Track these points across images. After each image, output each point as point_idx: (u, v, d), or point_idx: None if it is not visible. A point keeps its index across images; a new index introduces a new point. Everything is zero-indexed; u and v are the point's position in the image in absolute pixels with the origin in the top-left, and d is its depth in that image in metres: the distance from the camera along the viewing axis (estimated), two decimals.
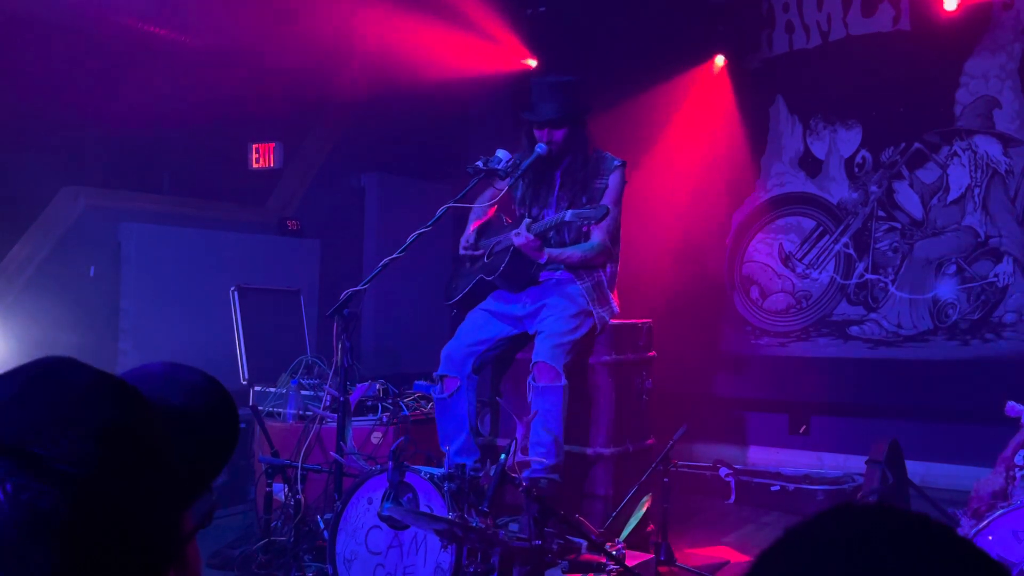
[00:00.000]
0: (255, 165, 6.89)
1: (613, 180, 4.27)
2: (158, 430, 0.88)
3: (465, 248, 4.50)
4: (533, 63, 7.02)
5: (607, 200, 4.19)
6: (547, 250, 4.15)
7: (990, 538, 2.69)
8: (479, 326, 4.32)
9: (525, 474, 3.84)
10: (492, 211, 4.54)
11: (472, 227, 4.55)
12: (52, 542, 0.77)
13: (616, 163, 4.30)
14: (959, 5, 5.57)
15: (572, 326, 4.12)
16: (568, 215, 3.97)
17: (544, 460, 3.91)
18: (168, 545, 0.88)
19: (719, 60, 6.47)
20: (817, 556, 0.69)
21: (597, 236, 4.21)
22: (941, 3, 5.65)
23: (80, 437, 0.80)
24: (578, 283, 4.25)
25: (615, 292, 4.37)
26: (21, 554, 0.77)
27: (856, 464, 4.94)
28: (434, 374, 4.30)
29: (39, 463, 0.78)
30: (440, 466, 3.71)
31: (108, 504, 0.80)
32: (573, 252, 4.22)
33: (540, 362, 4.01)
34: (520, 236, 4.05)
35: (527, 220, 4.13)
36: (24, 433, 0.79)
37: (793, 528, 0.72)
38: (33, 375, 0.85)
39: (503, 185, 4.28)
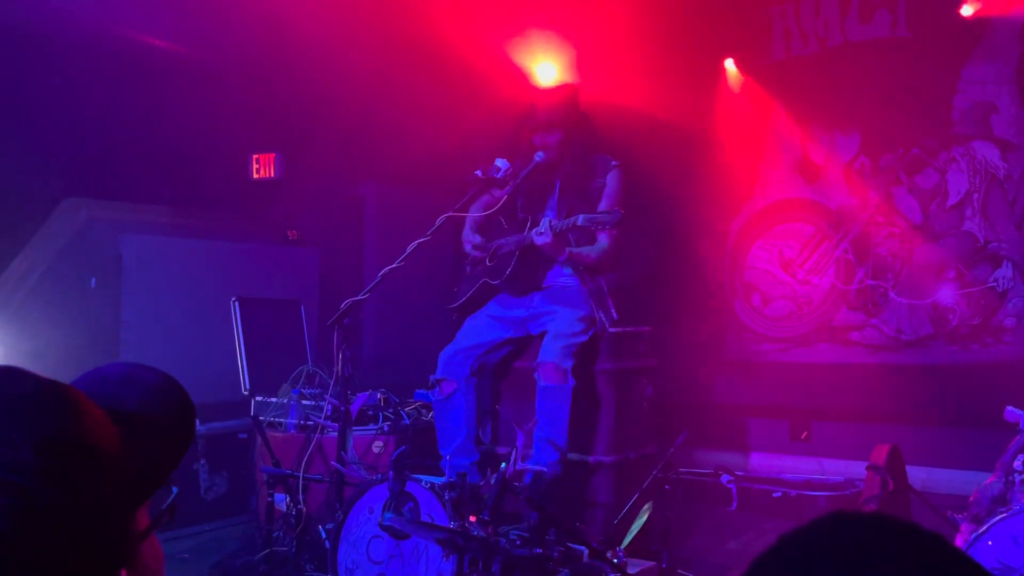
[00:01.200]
0: (255, 175, 6.91)
1: (612, 180, 4.31)
2: (103, 435, 0.89)
3: (476, 247, 4.49)
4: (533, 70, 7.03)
5: (607, 201, 4.23)
6: (568, 248, 4.18)
7: (990, 543, 2.69)
8: (478, 330, 4.35)
9: (529, 463, 3.85)
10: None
11: (471, 230, 4.57)
12: None
13: (613, 163, 4.35)
14: (957, 14, 5.59)
15: (580, 328, 4.16)
16: (580, 220, 3.98)
17: (549, 455, 3.94)
18: (117, 547, 0.89)
19: (729, 63, 6.45)
20: (809, 563, 0.70)
21: (605, 239, 4.25)
22: (939, 9, 5.66)
23: (18, 446, 0.81)
24: (583, 288, 4.28)
25: (613, 299, 4.39)
26: None
27: (858, 470, 4.92)
28: (431, 378, 4.31)
29: None
30: (440, 473, 3.71)
31: (50, 512, 0.81)
32: (589, 252, 4.26)
33: (547, 362, 4.02)
34: (544, 235, 4.06)
35: (547, 220, 4.14)
36: None
37: (786, 535, 0.73)
38: None
39: (502, 194, 4.31)
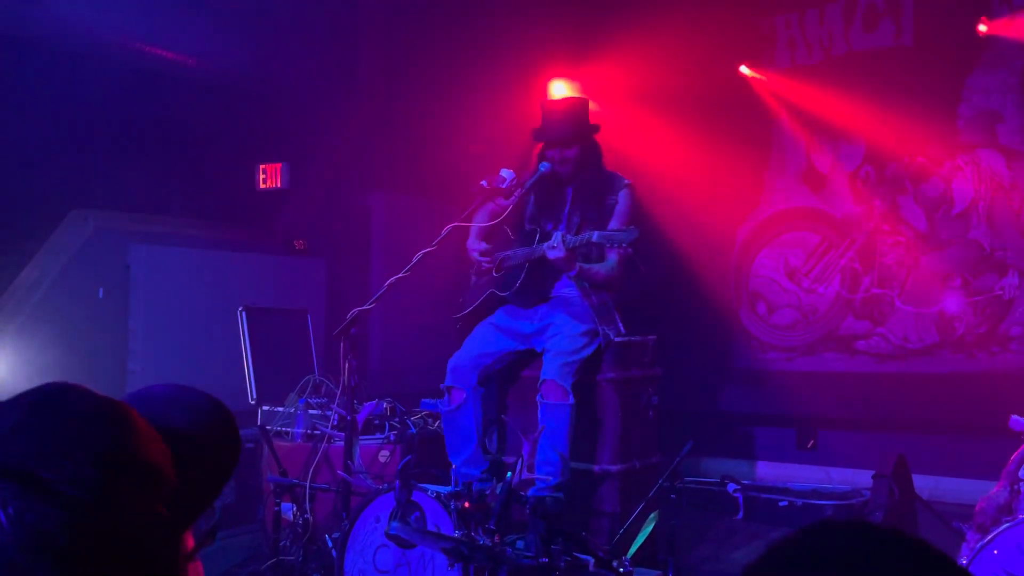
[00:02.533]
0: (262, 186, 6.93)
1: (624, 199, 4.31)
2: (158, 454, 0.89)
3: (481, 253, 4.50)
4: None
5: (618, 219, 4.24)
6: (579, 264, 4.18)
7: (995, 552, 2.69)
8: (486, 339, 4.35)
9: (531, 492, 3.85)
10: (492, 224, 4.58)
11: (476, 237, 4.57)
12: (54, 563, 0.78)
13: (625, 182, 4.36)
14: (962, 23, 5.59)
15: (580, 344, 4.15)
16: (595, 236, 3.97)
17: (550, 479, 3.93)
18: (168, 566, 0.89)
19: (744, 69, 6.45)
20: (798, 572, 0.71)
21: (614, 257, 4.25)
22: (943, 18, 5.67)
23: (81, 462, 0.82)
24: (586, 301, 4.28)
25: (620, 313, 4.39)
26: (23, 575, 0.78)
27: (864, 479, 4.92)
28: (441, 386, 4.32)
29: (44, 486, 0.80)
30: (446, 483, 3.72)
31: (108, 526, 0.81)
32: (599, 269, 4.27)
33: (548, 380, 4.04)
34: (557, 250, 4.06)
35: (559, 234, 4.14)
36: (29, 458, 0.81)
37: (775, 544, 0.74)
38: (37, 401, 0.87)
39: (507, 204, 4.33)
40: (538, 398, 4.07)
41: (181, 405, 1.02)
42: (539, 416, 4.04)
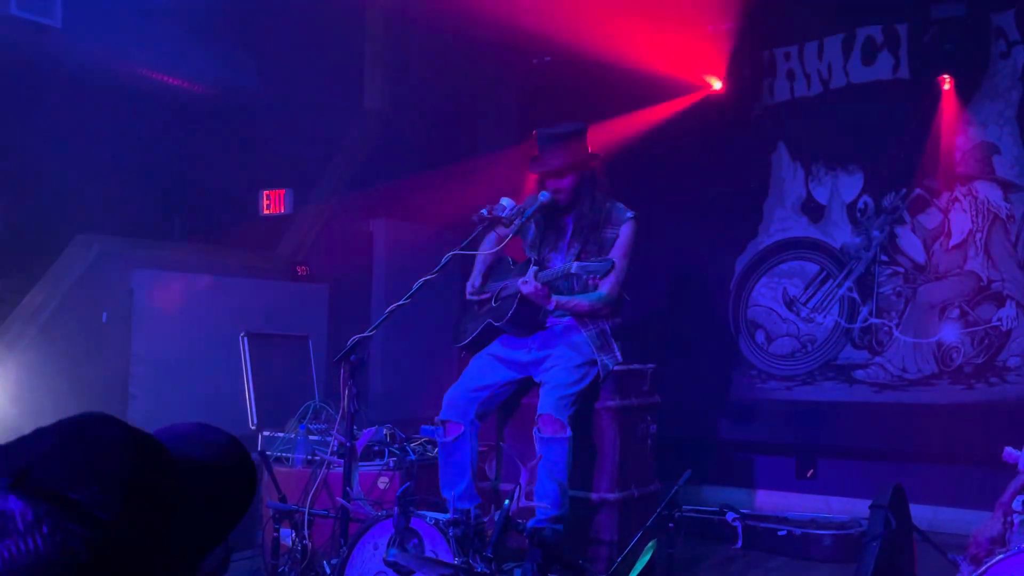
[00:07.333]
0: (265, 211, 6.98)
1: (625, 232, 4.31)
2: (180, 485, 0.95)
3: (471, 293, 4.56)
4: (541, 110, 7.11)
5: (617, 251, 4.24)
6: (555, 297, 4.18)
7: None
8: (483, 371, 4.36)
9: (530, 523, 3.87)
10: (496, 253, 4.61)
11: (478, 272, 4.61)
12: None
13: (628, 215, 4.34)
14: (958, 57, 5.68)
15: (577, 377, 4.16)
16: (574, 267, 4.00)
17: (549, 510, 3.94)
18: None
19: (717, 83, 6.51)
20: None
21: (604, 287, 4.25)
22: (940, 51, 5.75)
23: (107, 488, 0.87)
24: (583, 331, 4.30)
25: (618, 342, 4.40)
26: None
27: (864, 508, 4.90)
28: (436, 419, 4.32)
29: (73, 507, 0.85)
30: (444, 510, 3.73)
31: (128, 550, 0.86)
32: (581, 301, 4.25)
33: (545, 414, 4.04)
34: (528, 284, 4.07)
35: (533, 268, 4.15)
36: (61, 481, 0.86)
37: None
38: (71, 429, 0.92)
39: (507, 232, 4.35)
40: (535, 431, 4.08)
41: (203, 442, 1.08)
42: (536, 448, 4.05)
